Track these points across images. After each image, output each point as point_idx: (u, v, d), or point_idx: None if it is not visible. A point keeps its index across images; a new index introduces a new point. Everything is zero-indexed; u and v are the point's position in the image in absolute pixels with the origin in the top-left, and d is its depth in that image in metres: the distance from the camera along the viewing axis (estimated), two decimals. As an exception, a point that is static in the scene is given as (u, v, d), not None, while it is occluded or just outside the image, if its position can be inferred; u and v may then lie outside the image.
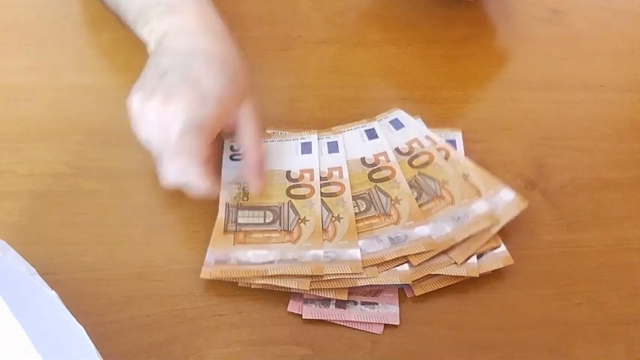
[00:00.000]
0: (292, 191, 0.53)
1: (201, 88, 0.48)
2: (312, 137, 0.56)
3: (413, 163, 0.55)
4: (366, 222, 0.51)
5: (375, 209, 0.52)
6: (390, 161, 0.55)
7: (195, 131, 0.48)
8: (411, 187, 0.53)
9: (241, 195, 0.52)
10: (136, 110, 0.49)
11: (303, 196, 0.53)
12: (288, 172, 0.54)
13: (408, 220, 0.51)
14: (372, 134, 0.57)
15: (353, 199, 0.52)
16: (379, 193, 0.53)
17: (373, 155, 0.55)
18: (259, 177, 0.52)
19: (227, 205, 0.52)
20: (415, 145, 0.56)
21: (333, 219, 0.51)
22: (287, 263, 0.48)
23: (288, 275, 0.47)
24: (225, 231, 0.50)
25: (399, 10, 0.71)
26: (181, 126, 0.47)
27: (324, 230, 0.51)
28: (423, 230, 0.50)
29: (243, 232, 0.50)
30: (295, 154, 0.55)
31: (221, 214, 0.51)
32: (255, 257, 0.49)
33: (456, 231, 0.50)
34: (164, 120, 0.48)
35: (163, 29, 0.53)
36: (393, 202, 0.52)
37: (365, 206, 0.52)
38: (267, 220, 0.51)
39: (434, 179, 0.54)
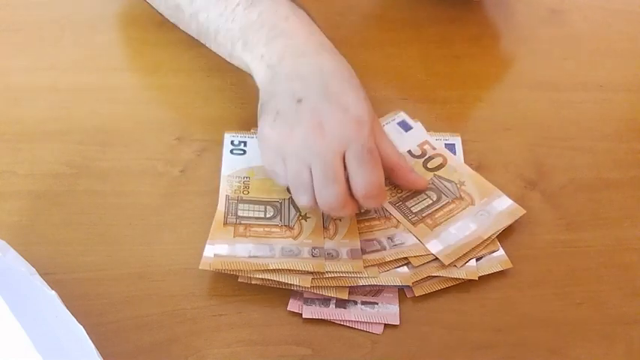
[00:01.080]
0: None
1: (348, 107, 0.47)
2: None
3: (428, 165, 0.55)
4: (366, 224, 0.51)
5: (375, 211, 0.52)
6: (435, 149, 0.55)
7: (372, 159, 0.47)
8: (430, 190, 0.54)
9: (242, 188, 0.52)
10: (276, 142, 0.47)
11: None
12: None
13: (307, 238, 0.50)
14: (404, 126, 0.57)
15: None
16: (290, 204, 0.52)
17: None
18: (418, 176, 0.52)
19: (227, 198, 0.52)
20: (427, 147, 0.56)
21: (334, 217, 0.51)
22: (288, 257, 0.48)
23: (289, 270, 0.47)
24: (225, 223, 0.50)
25: (399, 10, 0.70)
26: (342, 153, 0.46)
27: (326, 228, 0.51)
28: (316, 251, 0.49)
29: (243, 225, 0.50)
30: None
31: (221, 206, 0.51)
32: (256, 250, 0.49)
33: (483, 228, 0.51)
34: (320, 146, 0.46)
35: (278, 53, 0.50)
36: (300, 218, 0.52)
37: (272, 213, 0.52)
38: (268, 215, 0.51)
39: (451, 181, 0.54)
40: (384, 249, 0.50)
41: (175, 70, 0.63)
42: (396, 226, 0.51)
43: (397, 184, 0.53)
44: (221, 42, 0.55)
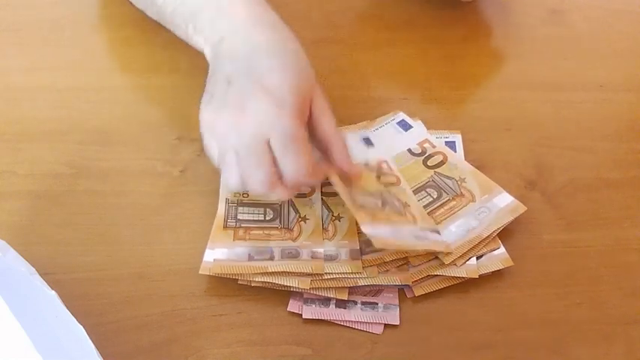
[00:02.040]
0: None
1: (272, 88, 0.46)
2: None
3: (428, 163, 0.55)
4: (266, 231, 0.51)
5: (280, 221, 0.52)
6: (392, 170, 0.55)
7: (296, 145, 0.46)
8: (430, 187, 0.53)
9: (241, 192, 0.52)
10: (208, 123, 0.47)
11: (304, 195, 0.53)
12: None
13: (307, 240, 0.50)
14: (368, 143, 0.57)
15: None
16: (290, 207, 0.52)
17: (375, 164, 0.55)
18: (352, 162, 0.50)
19: (227, 201, 0.52)
20: (427, 145, 0.56)
21: (334, 218, 0.51)
22: (287, 259, 0.48)
23: (289, 273, 0.47)
24: (225, 227, 0.50)
25: (398, 10, 0.70)
26: (266, 138, 0.45)
27: (325, 229, 0.51)
28: (318, 252, 0.49)
29: (243, 228, 0.50)
30: None
31: (221, 209, 0.51)
32: (256, 253, 0.49)
33: (484, 225, 0.51)
34: (242, 131, 0.46)
35: (219, 34, 0.51)
36: (404, 205, 0.52)
37: (272, 215, 0.52)
38: (268, 218, 0.51)
39: (451, 178, 0.54)
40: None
41: (175, 70, 0.63)
42: (415, 223, 0.51)
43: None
44: (177, 25, 0.56)
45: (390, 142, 0.57)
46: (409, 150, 0.56)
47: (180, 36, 0.56)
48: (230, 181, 0.47)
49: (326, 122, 0.49)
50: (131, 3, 0.62)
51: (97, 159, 0.55)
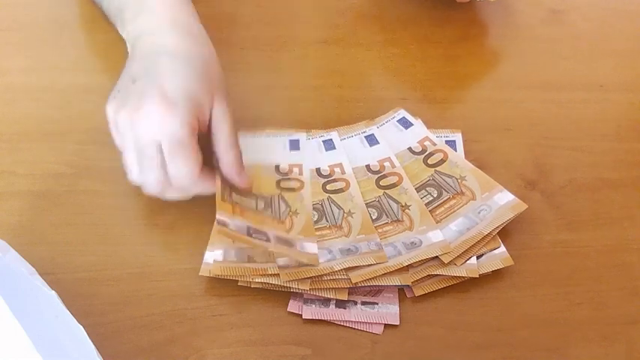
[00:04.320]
0: (282, 184, 0.53)
1: (168, 91, 0.47)
2: (300, 135, 0.57)
3: (428, 161, 0.55)
4: (379, 230, 0.51)
5: (387, 216, 0.52)
6: (395, 167, 0.55)
7: (181, 151, 0.47)
8: (430, 186, 0.54)
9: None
10: (110, 118, 0.49)
11: (293, 189, 0.53)
12: (277, 166, 0.55)
13: (421, 225, 0.51)
14: (372, 140, 0.57)
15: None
16: (389, 200, 0.53)
17: (377, 162, 0.55)
18: (241, 174, 0.51)
19: (222, 180, 0.51)
20: (427, 143, 0.56)
21: (345, 215, 0.51)
22: (284, 245, 0.48)
23: (290, 276, 0.47)
24: (223, 200, 0.50)
25: (398, 10, 0.70)
26: (156, 141, 0.46)
27: (339, 227, 0.51)
28: (436, 235, 0.50)
29: (238, 206, 0.50)
30: (283, 151, 0.56)
31: (218, 186, 0.50)
32: (254, 254, 0.49)
33: (484, 223, 0.51)
34: (136, 131, 0.47)
35: (137, 31, 0.53)
36: (403, 209, 0.52)
37: (377, 214, 0.52)
38: (260, 207, 0.51)
39: (451, 176, 0.54)
40: (400, 254, 0.49)
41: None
42: (410, 229, 0.51)
43: None
44: (112, 20, 0.57)
45: (390, 139, 0.57)
46: (410, 148, 0.56)
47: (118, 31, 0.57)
48: (130, 177, 0.49)
49: (221, 133, 0.50)
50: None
51: (97, 159, 0.55)
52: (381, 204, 0.53)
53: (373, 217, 0.52)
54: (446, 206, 0.52)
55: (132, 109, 0.47)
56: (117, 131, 0.49)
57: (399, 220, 0.52)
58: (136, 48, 0.52)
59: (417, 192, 0.53)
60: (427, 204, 0.53)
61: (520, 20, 0.71)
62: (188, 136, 0.47)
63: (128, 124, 0.47)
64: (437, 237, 0.50)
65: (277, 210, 0.52)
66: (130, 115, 0.47)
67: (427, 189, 0.54)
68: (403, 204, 0.52)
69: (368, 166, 0.55)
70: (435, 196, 0.53)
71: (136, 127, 0.47)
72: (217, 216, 0.48)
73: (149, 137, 0.47)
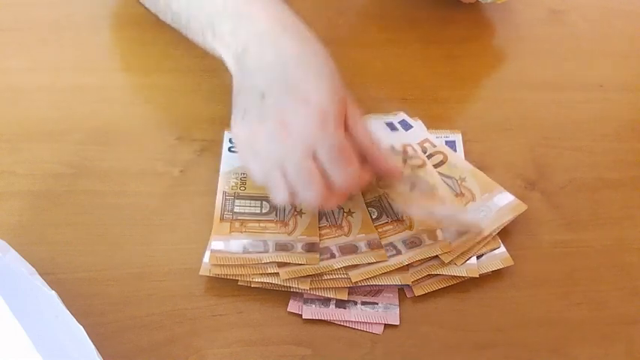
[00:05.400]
0: None
1: (310, 98, 0.45)
2: None
3: None
4: (379, 229, 0.51)
5: (387, 216, 0.52)
6: (416, 152, 0.55)
7: (343, 155, 0.45)
8: None
9: (238, 184, 0.53)
10: (246, 139, 0.46)
11: None
12: None
13: (421, 225, 0.51)
14: (392, 127, 0.58)
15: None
16: (389, 199, 0.53)
17: None
18: (390, 168, 0.50)
19: (224, 194, 0.52)
20: (427, 144, 0.56)
21: (346, 214, 0.51)
22: (282, 251, 0.48)
23: (290, 274, 0.47)
24: (222, 219, 0.51)
25: (398, 10, 0.70)
26: (313, 152, 0.44)
27: (339, 226, 0.51)
28: (312, 246, 0.50)
29: (239, 220, 0.51)
30: None
31: (218, 202, 0.51)
32: (251, 245, 0.49)
33: (484, 224, 0.51)
34: (288, 146, 0.45)
35: (242, 43, 0.49)
36: (295, 214, 0.52)
37: (377, 213, 0.52)
38: (264, 211, 0.51)
39: (451, 177, 0.54)
40: (400, 253, 0.49)
41: (175, 70, 0.63)
42: (410, 228, 0.51)
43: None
44: (193, 31, 0.54)
45: (390, 141, 0.57)
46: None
47: (198, 43, 0.54)
48: (278, 199, 0.47)
49: (361, 131, 0.48)
50: (144, 6, 0.61)
51: (97, 159, 0.55)
52: (381, 203, 0.53)
53: (373, 217, 0.52)
54: None
55: (276, 123, 0.45)
56: (252, 152, 0.46)
57: (400, 220, 0.52)
58: (248, 62, 0.48)
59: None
60: None
61: (520, 20, 0.71)
62: (344, 140, 0.45)
63: (274, 140, 0.45)
64: (437, 236, 0.50)
65: (282, 211, 0.52)
66: (275, 130, 0.45)
67: None
68: (432, 184, 0.53)
69: (393, 149, 0.56)
70: None
71: (287, 141, 0.45)
72: (212, 243, 0.49)
73: (305, 150, 0.45)
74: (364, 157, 0.48)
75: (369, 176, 0.49)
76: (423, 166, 0.54)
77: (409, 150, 0.55)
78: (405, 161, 0.55)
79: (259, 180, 0.47)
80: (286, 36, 0.48)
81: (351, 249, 0.49)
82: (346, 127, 0.47)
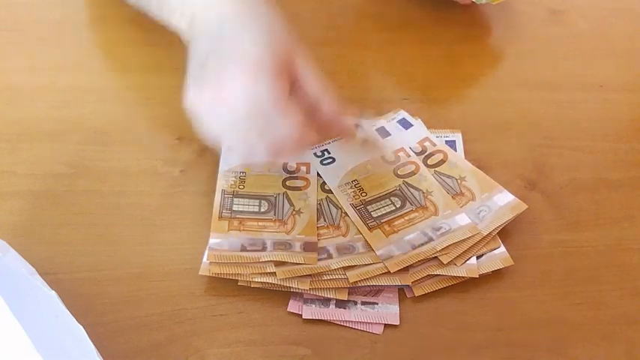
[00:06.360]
0: (288, 182, 0.54)
1: (247, 53, 0.45)
2: None
3: (428, 162, 0.55)
4: (405, 217, 0.51)
5: (275, 213, 0.52)
6: (309, 173, 0.55)
7: (277, 109, 0.44)
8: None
9: (237, 183, 0.53)
10: (194, 103, 0.47)
11: (299, 188, 0.53)
12: (285, 164, 0.55)
13: (446, 210, 0.51)
14: (383, 133, 0.57)
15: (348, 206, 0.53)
16: (285, 199, 0.53)
17: (296, 163, 0.56)
18: (343, 116, 0.49)
19: (223, 192, 0.52)
20: (427, 143, 0.57)
21: (343, 214, 0.52)
22: (280, 250, 0.48)
23: (287, 274, 0.47)
24: (220, 217, 0.51)
25: (399, 10, 0.71)
26: (247, 107, 0.44)
27: (337, 226, 0.51)
28: (462, 218, 0.51)
29: (237, 218, 0.51)
30: None
31: (216, 200, 0.52)
32: (248, 243, 0.49)
33: (484, 224, 0.51)
34: (224, 106, 0.45)
35: (189, 12, 0.49)
36: (294, 213, 0.52)
37: (400, 203, 0.52)
38: (262, 209, 0.51)
39: (451, 176, 0.54)
40: (432, 240, 0.50)
41: (175, 70, 0.62)
42: (435, 214, 0.51)
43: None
44: (154, 9, 0.55)
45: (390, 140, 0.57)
46: (410, 149, 0.56)
47: (161, 19, 0.55)
48: (235, 158, 0.47)
49: (311, 80, 0.48)
50: None
51: (97, 159, 0.55)
52: (402, 192, 0.53)
53: (397, 206, 0.52)
54: None
55: (215, 89, 0.45)
56: (202, 116, 0.46)
57: (424, 207, 0.52)
58: (194, 29, 0.49)
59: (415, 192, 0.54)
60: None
61: (520, 20, 0.71)
62: (281, 95, 0.45)
63: (217, 101, 0.45)
64: (463, 220, 0.51)
65: (281, 210, 0.52)
66: (214, 96, 0.45)
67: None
68: (425, 190, 0.53)
69: (383, 157, 0.56)
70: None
71: (227, 104, 0.45)
72: (210, 241, 0.49)
73: (244, 110, 0.44)
74: (312, 113, 0.48)
75: (313, 134, 0.47)
76: (416, 171, 0.54)
77: (402, 155, 0.55)
78: (425, 161, 0.55)
79: (213, 143, 0.48)
80: (229, 1, 0.48)
81: (347, 249, 0.49)
82: (296, 83, 0.47)
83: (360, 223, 0.51)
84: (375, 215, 0.51)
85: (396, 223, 0.51)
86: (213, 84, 0.45)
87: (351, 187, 0.53)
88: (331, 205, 0.53)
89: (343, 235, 0.51)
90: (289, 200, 0.52)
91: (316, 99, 0.48)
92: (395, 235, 0.50)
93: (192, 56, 0.48)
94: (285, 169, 0.55)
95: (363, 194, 0.53)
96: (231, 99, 0.45)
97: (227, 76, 0.45)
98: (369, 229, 0.51)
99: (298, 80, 0.48)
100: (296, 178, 0.54)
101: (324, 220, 0.52)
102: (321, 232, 0.51)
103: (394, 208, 0.52)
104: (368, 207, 0.52)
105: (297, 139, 0.46)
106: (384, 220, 0.51)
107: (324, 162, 0.55)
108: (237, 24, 0.47)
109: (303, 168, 0.55)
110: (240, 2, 0.49)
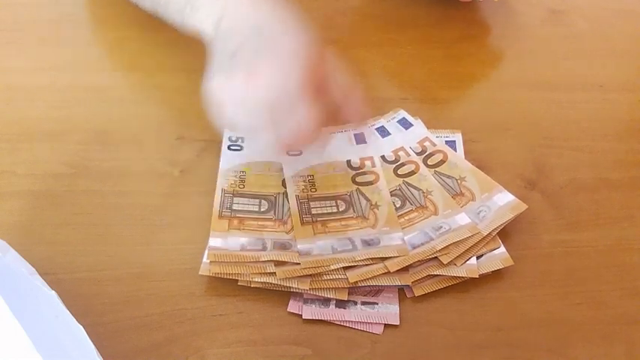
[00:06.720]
0: (358, 179, 0.54)
1: (280, 52, 0.46)
2: (363, 128, 0.58)
3: (428, 162, 0.55)
4: (405, 217, 0.52)
5: (354, 211, 0.52)
6: (375, 166, 0.55)
7: (301, 98, 0.45)
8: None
9: (237, 182, 0.53)
10: (218, 93, 0.47)
11: (370, 183, 0.54)
12: (349, 161, 0.55)
13: (446, 210, 0.52)
14: (383, 132, 0.58)
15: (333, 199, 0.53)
16: (359, 195, 0.53)
17: (360, 159, 0.56)
18: (362, 111, 0.51)
19: (223, 191, 0.52)
20: (427, 143, 0.57)
21: (372, 207, 0.52)
22: (280, 250, 0.48)
23: (287, 274, 0.47)
24: (220, 216, 0.51)
25: (398, 10, 0.71)
26: (275, 94, 0.45)
27: (365, 218, 0.51)
28: (398, 237, 0.50)
29: (237, 218, 0.51)
30: (350, 146, 0.57)
31: (216, 199, 0.52)
32: (249, 243, 0.49)
33: (484, 224, 0.51)
34: (253, 94, 0.46)
35: (219, 12, 0.50)
36: (372, 207, 0.52)
37: (400, 202, 0.52)
38: (262, 209, 0.51)
39: (451, 177, 0.54)
40: (358, 249, 0.50)
41: (175, 70, 0.63)
42: (435, 214, 0.51)
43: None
44: (172, 10, 0.55)
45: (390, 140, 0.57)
46: (410, 148, 0.56)
47: (175, 22, 0.55)
48: (265, 140, 0.47)
49: (337, 76, 0.49)
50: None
51: (97, 159, 0.55)
52: (402, 192, 0.53)
53: (397, 206, 0.52)
54: None
55: (248, 76, 0.46)
56: (227, 106, 0.47)
57: (423, 206, 0.52)
58: (223, 28, 0.49)
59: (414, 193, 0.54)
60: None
61: (520, 20, 0.71)
62: (308, 88, 0.46)
63: (246, 91, 0.46)
64: (463, 220, 0.51)
65: (280, 210, 0.52)
66: (246, 82, 0.46)
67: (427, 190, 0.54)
68: (425, 190, 0.53)
69: (349, 162, 0.56)
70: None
71: (258, 90, 0.46)
72: (210, 240, 0.49)
73: (272, 96, 0.45)
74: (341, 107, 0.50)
75: (316, 134, 0.48)
76: (416, 170, 0.54)
77: (402, 155, 0.55)
78: (425, 161, 0.55)
79: (229, 128, 0.49)
80: (260, 5, 0.50)
81: (373, 241, 0.50)
82: (325, 81, 0.49)
83: (296, 215, 0.51)
84: (313, 212, 0.51)
85: (330, 224, 0.51)
86: (245, 72, 0.46)
87: (303, 181, 0.53)
88: (361, 197, 0.53)
89: (372, 227, 0.51)
90: (364, 196, 0.52)
91: (341, 99, 0.49)
92: (323, 235, 0.50)
93: (219, 52, 0.49)
94: (349, 166, 0.55)
95: (313, 190, 0.53)
96: (263, 86, 0.46)
97: (263, 64, 0.46)
98: (302, 223, 0.50)
99: (328, 78, 0.49)
100: (364, 173, 0.54)
101: (354, 212, 0.52)
102: (350, 222, 0.51)
103: (336, 211, 0.52)
104: (311, 203, 0.52)
105: (312, 133, 0.47)
106: (319, 219, 0.51)
107: (291, 152, 0.55)
108: (275, 22, 0.48)
109: (368, 162, 0.55)
110: (273, 6, 0.50)
